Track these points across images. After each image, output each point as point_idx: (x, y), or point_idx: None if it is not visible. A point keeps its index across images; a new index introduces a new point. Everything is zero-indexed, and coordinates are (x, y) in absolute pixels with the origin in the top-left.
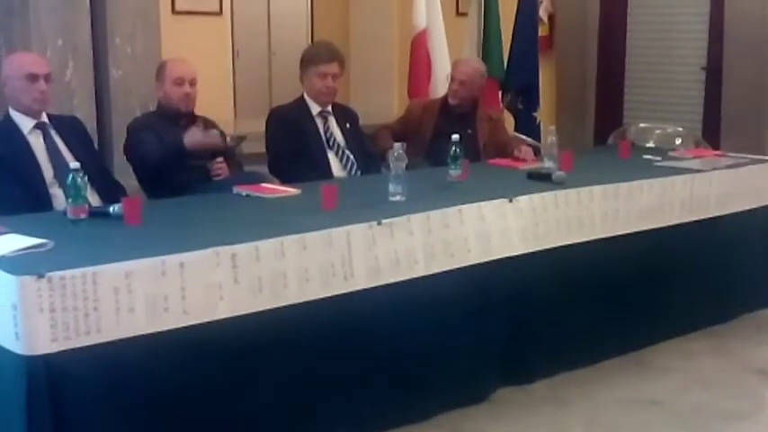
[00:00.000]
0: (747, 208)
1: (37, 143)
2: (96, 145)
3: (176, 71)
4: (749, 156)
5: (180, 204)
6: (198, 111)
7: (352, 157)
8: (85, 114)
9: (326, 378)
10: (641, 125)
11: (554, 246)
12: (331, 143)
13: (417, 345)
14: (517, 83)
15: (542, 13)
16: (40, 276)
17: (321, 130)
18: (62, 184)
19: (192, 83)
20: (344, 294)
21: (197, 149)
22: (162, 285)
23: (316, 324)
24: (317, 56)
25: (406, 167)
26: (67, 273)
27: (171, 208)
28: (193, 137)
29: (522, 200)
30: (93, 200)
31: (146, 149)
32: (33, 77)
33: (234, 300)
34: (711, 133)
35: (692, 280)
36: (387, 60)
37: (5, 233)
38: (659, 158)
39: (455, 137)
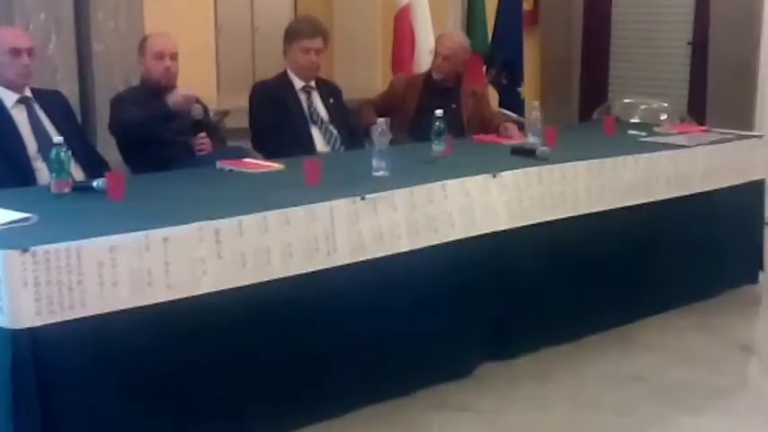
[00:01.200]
0: (732, 184)
1: (20, 117)
2: (79, 119)
3: (157, 45)
4: (734, 131)
5: (163, 179)
6: (181, 86)
7: (335, 132)
8: (68, 89)
9: (310, 352)
10: (626, 100)
11: (538, 221)
12: (314, 118)
13: (401, 320)
14: (501, 58)
15: None
16: (25, 250)
17: (304, 105)
18: (46, 159)
19: (173, 57)
20: (328, 269)
21: (181, 108)
22: (146, 260)
23: (299, 299)
24: (301, 31)
25: (390, 142)
26: (51, 247)
27: (154, 183)
28: (175, 96)
29: (506, 175)
30: (77, 174)
31: (130, 115)
32: (16, 52)
33: (217, 275)
34: (697, 109)
35: (676, 256)
36: (370, 35)
37: None
38: (644, 134)
39: (439, 112)
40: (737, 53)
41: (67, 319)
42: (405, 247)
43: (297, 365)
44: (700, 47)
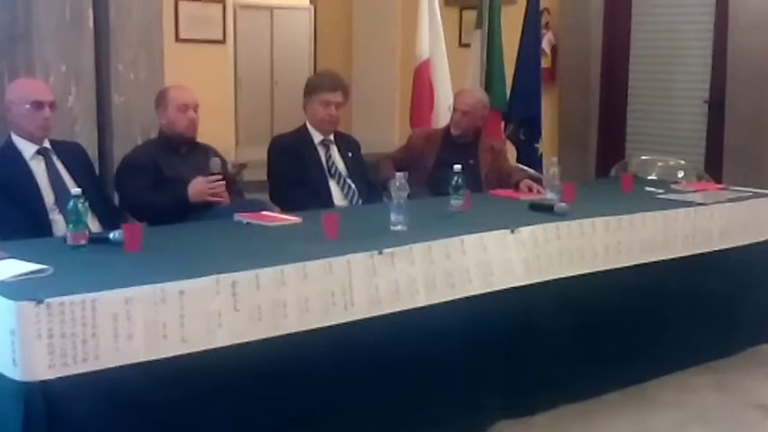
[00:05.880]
0: (749, 242)
1: (38, 169)
2: (97, 171)
3: (181, 98)
4: (751, 189)
5: (180, 231)
6: (200, 138)
7: (353, 185)
8: (87, 140)
9: (325, 407)
10: (643, 158)
11: (555, 277)
12: (333, 172)
13: (417, 375)
14: (520, 114)
15: (545, 44)
16: (39, 302)
17: (323, 159)
18: (62, 210)
19: (195, 109)
20: (344, 324)
21: (202, 200)
22: (161, 312)
23: (315, 353)
24: (322, 84)
25: (408, 197)
26: (66, 299)
27: (171, 235)
28: (198, 186)
29: (524, 231)
30: (94, 226)
31: (146, 197)
32: (38, 105)
33: (233, 328)
34: (713, 167)
35: (693, 314)
36: (389, 90)
37: (5, 258)
38: (661, 191)
39: (457, 167)
40: (754, 112)
41: (81, 371)
42: (422, 301)
43: (310, 420)
44: (716, 105)
